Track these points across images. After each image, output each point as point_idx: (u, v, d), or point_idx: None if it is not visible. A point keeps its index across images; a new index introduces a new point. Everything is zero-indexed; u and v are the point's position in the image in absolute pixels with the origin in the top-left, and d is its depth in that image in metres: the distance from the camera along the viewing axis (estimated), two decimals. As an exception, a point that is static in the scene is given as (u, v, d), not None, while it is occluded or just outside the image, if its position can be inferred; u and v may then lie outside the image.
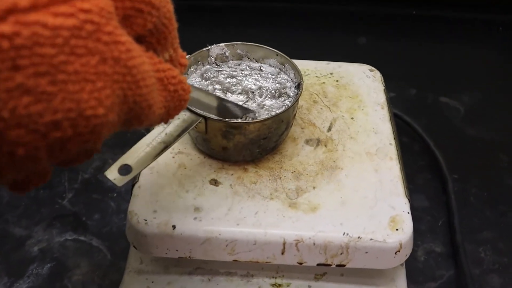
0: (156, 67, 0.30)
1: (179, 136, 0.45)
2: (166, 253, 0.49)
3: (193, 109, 0.47)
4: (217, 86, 0.53)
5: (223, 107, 0.48)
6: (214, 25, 1.03)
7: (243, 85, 0.53)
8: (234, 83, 0.53)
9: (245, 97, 0.52)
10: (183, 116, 0.47)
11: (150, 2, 0.28)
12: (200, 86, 0.53)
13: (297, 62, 0.54)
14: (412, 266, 0.63)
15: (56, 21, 0.22)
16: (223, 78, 0.53)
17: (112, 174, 0.42)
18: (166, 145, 0.44)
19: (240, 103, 0.50)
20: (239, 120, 0.49)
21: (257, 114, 0.50)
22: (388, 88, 0.63)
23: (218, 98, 0.48)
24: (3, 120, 0.21)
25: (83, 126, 0.24)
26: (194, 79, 0.53)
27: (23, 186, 0.27)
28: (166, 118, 0.33)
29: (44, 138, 0.23)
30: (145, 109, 0.29)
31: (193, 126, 0.46)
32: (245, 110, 0.50)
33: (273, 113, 0.50)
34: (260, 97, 0.51)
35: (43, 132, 0.23)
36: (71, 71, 0.23)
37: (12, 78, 0.21)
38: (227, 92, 0.52)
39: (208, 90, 0.52)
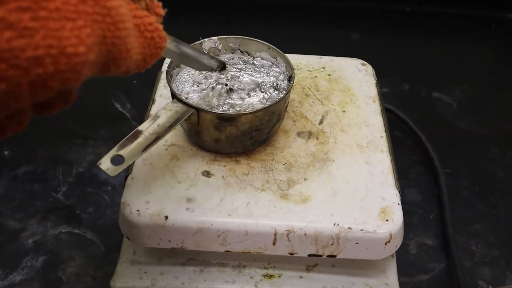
0: (133, 13, 0.31)
1: (171, 127, 0.46)
2: (158, 244, 0.49)
3: (185, 100, 0.48)
4: (212, 80, 0.53)
5: (198, 58, 0.48)
6: (206, 19, 1.03)
7: (241, 80, 0.53)
8: (229, 77, 0.53)
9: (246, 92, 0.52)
10: (175, 107, 0.47)
11: None
12: (194, 80, 0.53)
13: (289, 56, 0.55)
14: (403, 259, 0.64)
15: None
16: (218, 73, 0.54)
17: (105, 164, 0.42)
18: (158, 136, 0.45)
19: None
20: (231, 112, 0.49)
21: (228, 69, 0.51)
22: (381, 84, 0.63)
23: (193, 49, 0.47)
24: None
25: (64, 64, 0.25)
26: (187, 72, 0.54)
27: (0, 132, 0.28)
28: (142, 65, 0.34)
29: (26, 73, 0.23)
30: (123, 52, 0.29)
31: (185, 118, 0.47)
32: (219, 62, 0.50)
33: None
34: (256, 92, 0.52)
35: (25, 67, 0.23)
36: (52, 8, 0.23)
37: None
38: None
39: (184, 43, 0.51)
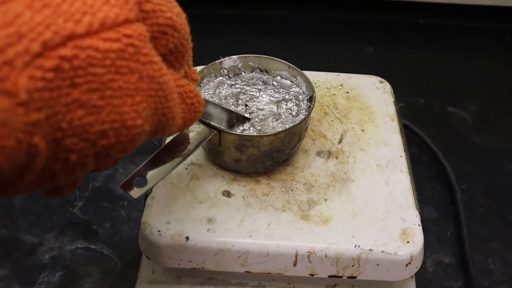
0: (176, 82, 0.34)
1: (195, 148, 0.46)
2: (178, 264, 0.49)
3: (208, 122, 0.48)
4: (232, 101, 0.53)
5: (229, 117, 0.50)
6: (221, 34, 1.03)
7: (260, 103, 0.53)
8: (248, 98, 0.53)
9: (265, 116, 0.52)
10: (197, 129, 0.47)
11: (173, 26, 0.32)
12: (214, 98, 0.53)
13: (307, 73, 0.55)
14: (421, 277, 0.64)
15: (105, 45, 0.25)
16: (237, 93, 0.54)
17: (128, 186, 0.42)
18: (183, 158, 0.45)
19: (246, 115, 0.51)
20: (253, 133, 0.49)
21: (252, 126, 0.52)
22: (396, 98, 0.63)
23: (224, 109, 0.50)
24: (62, 130, 0.25)
25: (124, 135, 0.28)
26: (207, 91, 0.54)
27: (59, 192, 0.31)
28: (182, 128, 0.37)
29: (93, 145, 0.26)
30: (170, 120, 0.32)
31: (207, 139, 0.47)
32: (241, 117, 0.52)
33: (286, 126, 0.50)
34: (276, 115, 0.52)
35: (93, 140, 0.26)
36: (116, 87, 0.26)
37: (70, 94, 0.24)
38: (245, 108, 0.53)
39: (216, 102, 0.52)
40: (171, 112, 0.32)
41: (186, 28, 0.34)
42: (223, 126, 0.49)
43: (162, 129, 0.32)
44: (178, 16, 0.32)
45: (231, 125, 0.50)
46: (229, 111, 0.50)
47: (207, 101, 0.47)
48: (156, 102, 0.30)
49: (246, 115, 0.52)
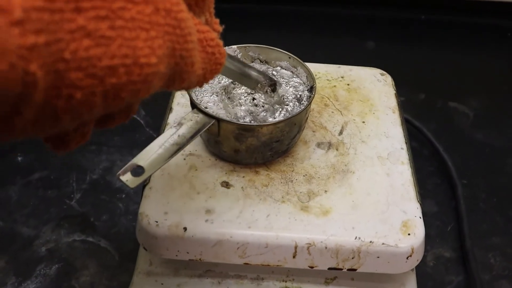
0: (197, 27, 0.31)
1: (192, 138, 0.45)
2: (176, 255, 0.48)
3: (206, 110, 0.47)
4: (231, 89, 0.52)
5: (248, 74, 0.47)
6: (223, 28, 1.03)
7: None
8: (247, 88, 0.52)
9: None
10: (196, 117, 0.47)
11: None
12: (212, 89, 0.52)
13: (308, 65, 0.54)
14: (421, 271, 0.63)
15: None
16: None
17: (125, 175, 0.41)
18: (179, 147, 0.44)
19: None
20: (252, 123, 0.49)
21: (277, 86, 0.50)
22: (397, 93, 0.63)
23: (249, 67, 0.48)
24: (65, 61, 0.22)
25: (137, 74, 0.25)
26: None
27: (66, 144, 0.28)
28: (202, 81, 0.34)
29: (101, 83, 0.24)
30: (188, 65, 0.29)
31: (206, 128, 0.46)
32: (269, 79, 0.49)
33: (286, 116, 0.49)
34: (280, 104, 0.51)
35: (100, 77, 0.23)
36: (128, 17, 0.24)
37: (74, 20, 0.22)
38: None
39: (239, 59, 0.50)
40: (190, 56, 0.29)
41: None
42: (248, 88, 0.48)
43: (180, 76, 0.29)
44: None
45: (257, 88, 0.48)
46: (258, 71, 0.48)
47: (239, 60, 0.44)
48: (173, 41, 0.27)
49: (273, 81, 0.50)
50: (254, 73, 0.48)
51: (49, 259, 0.64)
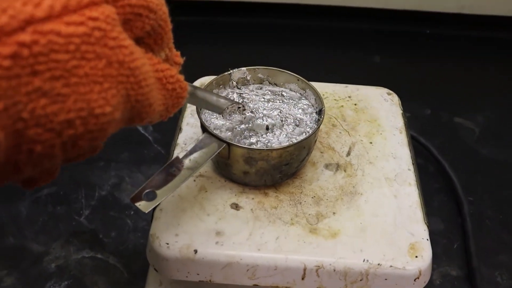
0: (155, 67, 0.32)
1: (204, 162, 0.46)
2: (186, 277, 0.49)
3: (216, 134, 0.48)
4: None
5: (217, 103, 0.48)
6: (228, 43, 1.04)
7: (265, 112, 0.53)
8: (256, 108, 0.53)
9: (266, 125, 0.52)
10: (207, 142, 0.47)
11: (148, 7, 0.30)
12: None
13: (315, 84, 0.55)
14: (428, 290, 0.63)
15: (68, 29, 0.24)
16: (246, 101, 0.54)
17: (138, 200, 0.42)
18: (192, 172, 0.45)
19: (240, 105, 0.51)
20: (262, 147, 0.49)
21: (246, 107, 0.51)
22: (402, 108, 0.63)
23: (211, 93, 0.49)
24: (23, 120, 0.23)
25: (93, 124, 0.26)
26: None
27: (34, 183, 0.30)
28: (165, 115, 0.35)
29: (59, 135, 0.25)
30: (146, 107, 0.31)
31: (216, 152, 0.47)
32: (235, 103, 0.50)
33: (293, 139, 0.50)
34: (283, 126, 0.52)
35: (58, 130, 0.25)
36: (82, 74, 0.25)
37: (31, 83, 0.23)
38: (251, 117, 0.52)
39: (203, 89, 0.51)
40: (147, 98, 0.30)
41: (163, 9, 0.32)
42: (217, 113, 0.48)
43: (139, 116, 0.31)
44: None
45: (225, 112, 0.49)
46: (225, 98, 0.49)
47: (198, 88, 0.45)
48: (127, 89, 0.28)
49: (240, 102, 0.50)
50: (220, 100, 0.48)
51: (58, 275, 0.65)
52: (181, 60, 0.37)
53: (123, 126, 0.31)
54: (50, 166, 0.28)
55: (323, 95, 0.63)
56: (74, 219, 0.70)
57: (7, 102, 0.22)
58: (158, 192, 0.43)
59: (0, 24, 0.22)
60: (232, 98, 0.53)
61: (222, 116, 0.49)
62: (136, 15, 0.29)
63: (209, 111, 0.53)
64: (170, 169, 0.45)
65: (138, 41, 0.31)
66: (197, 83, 0.62)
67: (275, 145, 0.50)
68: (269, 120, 0.52)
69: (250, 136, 0.51)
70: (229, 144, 0.48)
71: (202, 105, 0.48)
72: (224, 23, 1.08)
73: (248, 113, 0.51)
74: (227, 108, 0.49)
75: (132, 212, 0.71)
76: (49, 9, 0.23)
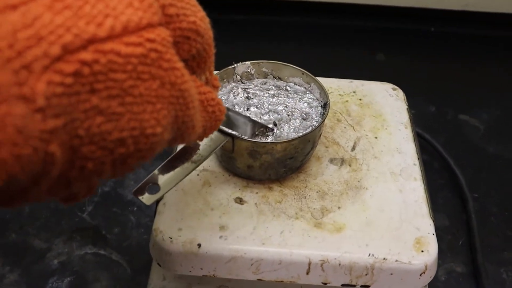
0: (198, 89, 0.33)
1: (208, 155, 0.45)
2: (190, 271, 0.49)
3: (221, 128, 0.47)
4: (244, 107, 0.53)
5: (249, 125, 0.49)
6: (233, 40, 1.03)
7: (271, 107, 0.52)
8: (261, 103, 0.53)
9: (272, 120, 0.51)
10: (211, 135, 0.47)
11: (197, 31, 0.31)
12: (227, 105, 0.53)
13: (320, 80, 0.54)
14: (433, 286, 0.63)
15: (127, 50, 0.24)
16: (250, 97, 0.53)
17: (140, 193, 0.42)
18: (196, 165, 0.44)
19: (269, 125, 0.51)
20: (266, 140, 0.49)
21: (276, 132, 0.51)
22: (408, 105, 0.63)
23: (248, 118, 0.49)
24: (80, 137, 0.24)
25: (143, 143, 0.27)
26: (220, 97, 0.53)
27: (74, 198, 0.29)
28: (202, 136, 0.36)
29: (111, 153, 0.25)
30: (189, 128, 0.31)
31: (220, 145, 0.47)
32: (260, 126, 0.50)
33: (300, 133, 0.50)
34: (290, 121, 0.51)
35: (111, 148, 0.25)
36: (137, 94, 0.25)
37: (89, 100, 0.23)
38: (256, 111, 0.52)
39: (236, 110, 0.52)
40: (192, 120, 0.31)
41: (209, 33, 0.33)
42: (246, 136, 0.48)
43: (182, 137, 0.31)
44: (202, 20, 0.31)
45: (254, 135, 0.50)
46: (253, 121, 0.50)
47: (230, 110, 0.46)
48: (176, 110, 0.29)
49: (270, 126, 0.51)
50: (248, 123, 0.49)
51: (61, 272, 0.64)
52: (219, 84, 0.38)
53: (166, 146, 0.31)
54: (97, 182, 0.29)
55: (328, 90, 0.62)
56: (77, 215, 0.70)
57: (66, 119, 0.23)
58: (161, 185, 0.43)
59: (64, 42, 0.22)
60: (246, 113, 0.53)
61: (248, 137, 0.49)
62: (185, 38, 0.30)
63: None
64: (174, 162, 0.44)
65: (183, 63, 0.32)
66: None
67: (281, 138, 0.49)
68: (275, 115, 0.52)
69: (267, 135, 0.50)
70: (233, 137, 0.47)
71: (231, 127, 0.48)
72: (228, 20, 1.07)
73: (275, 132, 0.51)
74: (256, 132, 0.50)
75: (135, 208, 0.71)
76: (110, 30, 0.24)
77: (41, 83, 0.21)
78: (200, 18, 0.31)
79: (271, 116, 0.51)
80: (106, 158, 0.25)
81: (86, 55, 0.23)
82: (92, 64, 0.23)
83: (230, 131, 0.47)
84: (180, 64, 0.28)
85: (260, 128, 0.50)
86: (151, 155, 0.28)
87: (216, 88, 0.37)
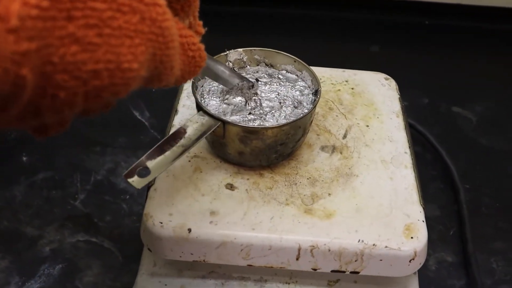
0: (180, 31, 0.32)
1: (197, 140, 0.45)
2: (180, 256, 0.49)
3: (211, 112, 0.47)
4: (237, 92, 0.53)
5: (229, 77, 0.49)
6: (228, 31, 1.03)
7: (263, 95, 0.53)
8: (254, 92, 0.53)
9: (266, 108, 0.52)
10: (201, 120, 0.47)
11: None
12: (218, 91, 0.53)
13: (313, 68, 0.55)
14: (423, 275, 0.63)
15: None
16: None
17: (131, 176, 0.42)
18: (184, 149, 0.44)
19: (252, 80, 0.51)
20: (256, 126, 0.49)
21: (257, 87, 0.51)
22: (401, 97, 0.63)
23: (226, 67, 0.49)
24: (53, 64, 0.23)
25: (119, 78, 0.26)
26: (212, 83, 0.53)
27: (45, 131, 0.29)
28: (180, 80, 0.35)
29: (84, 84, 0.25)
30: (168, 69, 0.31)
31: (211, 130, 0.47)
32: (247, 80, 0.51)
33: (291, 119, 0.50)
34: (281, 108, 0.51)
35: (84, 79, 0.25)
36: (115, 26, 0.25)
37: (65, 27, 0.23)
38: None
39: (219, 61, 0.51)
40: (170, 60, 0.31)
41: None
42: (227, 88, 0.49)
43: (158, 78, 0.31)
44: None
45: (236, 88, 0.50)
46: (234, 72, 0.49)
47: (211, 58, 0.46)
48: (155, 48, 0.28)
49: (252, 81, 0.51)
50: (232, 75, 0.49)
51: (52, 259, 0.64)
52: (203, 30, 0.37)
53: (142, 85, 0.31)
54: (67, 116, 0.28)
55: (321, 79, 0.63)
56: (69, 203, 0.70)
57: (40, 43, 0.22)
58: (151, 168, 0.43)
59: None
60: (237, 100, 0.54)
61: (230, 91, 0.49)
62: None
63: (205, 90, 0.52)
64: (164, 146, 0.44)
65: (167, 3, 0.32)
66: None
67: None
68: (267, 102, 0.52)
69: (248, 119, 0.50)
70: (224, 122, 0.47)
71: (212, 77, 0.48)
72: (223, 12, 1.07)
73: (257, 91, 0.51)
74: (238, 84, 0.49)
75: (127, 197, 0.71)
76: None
77: (15, 3, 0.21)
78: None
79: (263, 103, 0.51)
80: (79, 88, 0.25)
81: None
82: None
83: (221, 116, 0.48)
84: (162, 1, 0.28)
85: (242, 82, 0.50)
86: (126, 90, 0.28)
87: (199, 34, 0.37)
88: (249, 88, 0.50)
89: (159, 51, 0.29)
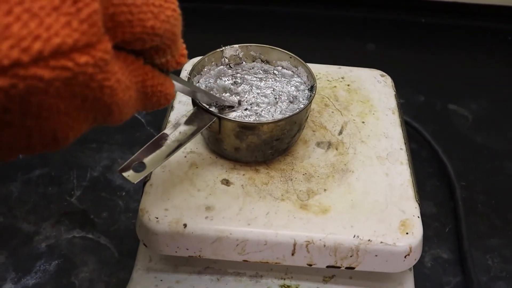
0: (145, 83, 0.32)
1: (193, 135, 0.45)
2: (176, 252, 0.49)
3: (207, 108, 0.48)
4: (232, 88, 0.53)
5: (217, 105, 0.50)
6: (224, 29, 1.03)
7: (259, 91, 0.53)
8: (248, 88, 0.53)
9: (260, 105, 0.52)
10: (197, 115, 0.47)
11: (154, 33, 0.29)
12: (214, 87, 0.53)
13: (308, 65, 0.55)
14: (419, 272, 0.63)
15: (52, 74, 0.23)
16: (239, 82, 0.53)
17: (126, 171, 0.42)
18: (180, 144, 0.44)
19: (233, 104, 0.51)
20: (252, 121, 0.49)
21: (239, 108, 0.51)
22: (397, 95, 0.63)
23: (202, 91, 0.49)
24: None
25: (53, 146, 0.28)
26: (208, 80, 0.54)
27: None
28: (141, 111, 0.36)
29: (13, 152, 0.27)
30: (114, 121, 0.31)
31: (207, 126, 0.47)
32: (217, 104, 0.50)
33: (287, 115, 0.50)
34: (277, 104, 0.51)
35: (18, 149, 0.27)
36: (54, 110, 0.26)
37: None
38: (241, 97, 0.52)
39: (197, 87, 0.51)
40: (116, 116, 0.31)
41: (174, 29, 0.31)
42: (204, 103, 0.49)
43: (104, 123, 0.31)
44: (165, 21, 0.30)
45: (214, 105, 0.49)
46: (218, 98, 0.49)
47: (197, 88, 0.46)
48: (96, 116, 0.29)
49: (234, 104, 0.51)
50: (209, 96, 0.49)
51: (48, 255, 0.64)
52: (185, 60, 0.36)
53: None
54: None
55: (316, 75, 0.63)
56: (65, 200, 0.70)
57: None
58: (147, 163, 0.43)
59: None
60: (226, 79, 0.54)
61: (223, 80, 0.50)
62: (138, 39, 0.29)
63: (201, 87, 0.52)
64: (160, 141, 0.44)
65: (138, 52, 0.31)
66: (188, 64, 0.61)
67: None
68: (263, 98, 0.52)
69: (244, 114, 0.50)
70: (219, 118, 0.47)
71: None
72: (219, 10, 1.07)
73: (249, 82, 0.52)
74: (215, 103, 0.49)
75: (123, 193, 0.71)
76: (37, 54, 0.22)
77: None
78: (162, 20, 0.29)
79: (258, 99, 0.51)
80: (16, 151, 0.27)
81: (3, 81, 0.22)
82: (9, 89, 0.22)
83: (217, 112, 0.48)
84: (111, 82, 0.27)
85: (222, 104, 0.50)
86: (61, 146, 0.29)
87: (180, 64, 0.36)
88: (229, 108, 0.50)
89: (100, 115, 0.29)
